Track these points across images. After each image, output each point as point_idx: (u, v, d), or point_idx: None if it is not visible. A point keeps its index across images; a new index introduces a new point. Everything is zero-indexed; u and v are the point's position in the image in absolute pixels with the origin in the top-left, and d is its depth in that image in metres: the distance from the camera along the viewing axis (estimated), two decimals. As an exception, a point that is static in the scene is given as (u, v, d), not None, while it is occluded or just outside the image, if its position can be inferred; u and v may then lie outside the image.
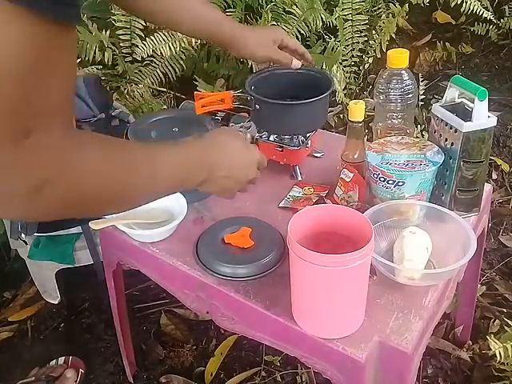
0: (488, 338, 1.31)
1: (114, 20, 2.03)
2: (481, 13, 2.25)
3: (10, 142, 0.52)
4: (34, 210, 0.59)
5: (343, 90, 2.18)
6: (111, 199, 0.67)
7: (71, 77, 0.58)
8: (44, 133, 0.54)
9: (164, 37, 1.99)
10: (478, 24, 2.83)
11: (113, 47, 2.05)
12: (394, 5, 2.34)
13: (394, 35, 2.31)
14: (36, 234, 1.56)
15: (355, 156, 1.15)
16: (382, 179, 1.05)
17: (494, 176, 2.18)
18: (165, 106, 2.17)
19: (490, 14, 2.28)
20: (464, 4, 2.21)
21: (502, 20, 2.80)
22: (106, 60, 2.11)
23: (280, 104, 1.20)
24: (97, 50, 2.07)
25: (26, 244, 1.61)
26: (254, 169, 0.95)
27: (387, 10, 2.37)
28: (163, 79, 2.16)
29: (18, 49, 0.50)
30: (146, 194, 0.74)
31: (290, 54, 1.27)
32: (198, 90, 1.36)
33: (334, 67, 2.07)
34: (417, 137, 1.33)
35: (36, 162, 0.55)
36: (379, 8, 2.42)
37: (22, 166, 0.54)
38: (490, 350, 1.28)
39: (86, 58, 2.07)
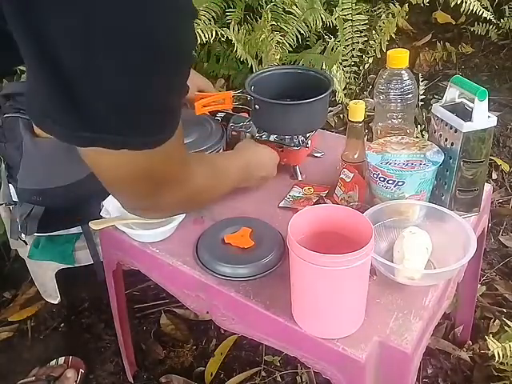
0: (487, 337, 1.31)
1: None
2: (480, 13, 2.25)
3: (149, 196, 0.78)
4: (173, 212, 0.97)
5: (343, 90, 2.18)
6: (211, 196, 1.00)
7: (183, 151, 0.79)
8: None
9: (164, 37, 1.99)
10: (478, 24, 2.83)
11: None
12: (394, 5, 2.34)
13: (393, 35, 2.31)
14: (36, 234, 1.56)
15: (355, 156, 1.15)
16: (382, 179, 1.05)
17: (494, 176, 2.18)
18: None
19: (489, 14, 2.28)
20: (464, 4, 2.21)
21: (502, 20, 2.80)
22: (106, 60, 2.10)
23: (280, 104, 1.20)
24: (97, 50, 2.07)
25: (26, 244, 1.61)
26: (275, 168, 1.23)
27: (387, 10, 2.37)
28: (163, 79, 2.15)
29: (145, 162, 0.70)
30: (225, 190, 1.04)
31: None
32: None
33: (334, 67, 2.07)
34: (417, 137, 1.33)
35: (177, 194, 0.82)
36: (379, 8, 2.42)
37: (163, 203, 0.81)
38: (490, 349, 1.28)
39: (86, 58, 2.07)
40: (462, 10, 2.24)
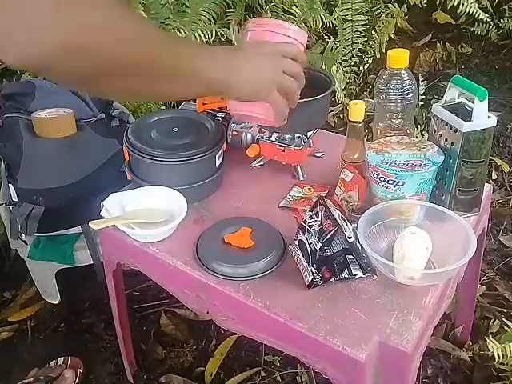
0: (486, 338, 1.31)
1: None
2: (477, 14, 2.24)
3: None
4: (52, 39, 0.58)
5: (343, 90, 2.18)
6: (137, 68, 0.68)
7: None
8: None
9: (164, 37, 1.99)
10: (478, 24, 2.83)
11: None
12: (393, 5, 2.34)
13: (393, 35, 2.31)
14: (36, 234, 1.57)
15: (355, 156, 1.15)
16: (382, 179, 1.05)
17: (494, 176, 2.18)
18: (164, 107, 2.17)
19: (486, 15, 2.27)
20: (461, 6, 2.20)
21: (502, 20, 2.80)
22: (105, 60, 2.10)
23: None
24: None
25: (26, 244, 1.61)
26: (280, 59, 0.89)
27: (386, 10, 2.37)
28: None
29: None
30: (168, 77, 0.74)
31: None
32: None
33: (334, 67, 2.08)
34: (417, 137, 1.33)
35: None
36: (378, 8, 2.42)
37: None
38: (490, 350, 1.28)
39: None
40: (458, 11, 2.23)
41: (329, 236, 0.96)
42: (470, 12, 2.22)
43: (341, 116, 2.36)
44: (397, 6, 2.29)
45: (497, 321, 1.61)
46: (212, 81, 0.80)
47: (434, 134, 1.10)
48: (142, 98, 0.79)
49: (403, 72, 1.17)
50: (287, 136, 1.26)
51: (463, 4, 2.19)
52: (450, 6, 2.22)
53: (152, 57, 0.70)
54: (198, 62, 0.77)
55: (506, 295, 1.70)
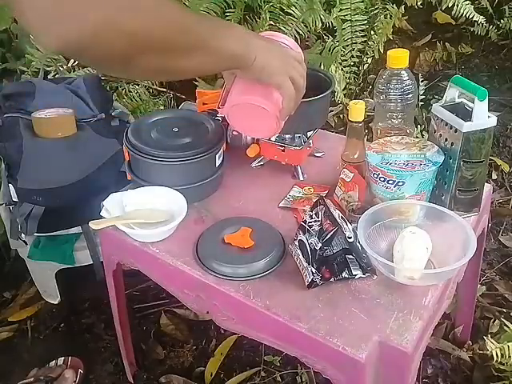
0: (485, 338, 1.31)
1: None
2: (471, 16, 2.22)
3: None
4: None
5: (343, 90, 2.18)
6: (171, 43, 0.75)
7: None
8: None
9: (164, 37, 1.99)
10: (478, 24, 2.82)
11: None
12: (391, 6, 2.34)
13: (391, 36, 2.31)
14: (36, 234, 1.57)
15: (355, 156, 1.16)
16: (382, 179, 1.05)
17: (494, 176, 2.18)
18: (162, 107, 2.17)
19: (481, 17, 2.25)
20: (455, 7, 2.19)
21: (502, 20, 2.80)
22: (105, 60, 2.10)
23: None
24: (97, 49, 2.07)
25: (26, 244, 1.61)
26: (290, 57, 0.98)
27: (384, 11, 2.37)
28: (163, 79, 2.15)
29: None
30: (202, 49, 0.80)
31: None
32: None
33: (333, 67, 2.07)
34: (417, 137, 1.33)
35: None
36: (376, 9, 2.42)
37: None
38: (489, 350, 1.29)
39: (86, 58, 2.07)
40: (453, 13, 2.22)
41: (329, 236, 0.96)
42: (465, 14, 2.21)
43: (341, 116, 2.36)
44: (395, 7, 2.29)
45: (497, 321, 1.61)
46: (238, 56, 0.87)
47: (434, 133, 1.10)
48: (175, 74, 0.88)
49: (403, 72, 1.17)
50: (287, 136, 1.26)
51: (457, 5, 2.18)
52: (444, 7, 2.21)
53: (186, 33, 0.76)
54: (228, 37, 0.85)
55: (506, 295, 1.70)
